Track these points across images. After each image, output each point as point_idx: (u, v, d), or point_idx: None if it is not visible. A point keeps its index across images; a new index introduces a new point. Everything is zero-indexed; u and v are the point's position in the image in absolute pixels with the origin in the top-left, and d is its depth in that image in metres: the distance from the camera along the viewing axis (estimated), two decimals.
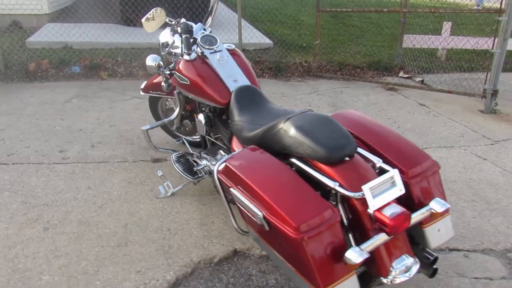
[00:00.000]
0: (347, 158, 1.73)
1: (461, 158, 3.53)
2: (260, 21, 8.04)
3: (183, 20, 2.55)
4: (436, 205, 1.72)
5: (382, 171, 1.76)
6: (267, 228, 1.65)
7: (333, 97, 5.15)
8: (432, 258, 1.79)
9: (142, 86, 3.29)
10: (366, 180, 1.66)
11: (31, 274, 2.06)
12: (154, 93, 3.18)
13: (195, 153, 2.78)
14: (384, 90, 5.53)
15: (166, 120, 2.93)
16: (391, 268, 1.63)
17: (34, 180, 2.91)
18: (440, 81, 5.66)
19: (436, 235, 1.83)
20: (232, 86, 2.36)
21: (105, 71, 5.63)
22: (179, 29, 2.48)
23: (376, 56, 6.80)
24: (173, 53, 2.78)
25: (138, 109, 4.42)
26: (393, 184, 1.64)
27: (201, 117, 2.55)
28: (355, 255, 1.50)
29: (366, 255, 1.50)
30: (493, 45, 4.53)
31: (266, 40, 6.88)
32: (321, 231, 1.52)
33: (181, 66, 2.49)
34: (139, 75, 5.67)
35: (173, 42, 2.63)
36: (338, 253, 1.56)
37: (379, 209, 1.58)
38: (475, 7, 11.95)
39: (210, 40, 2.52)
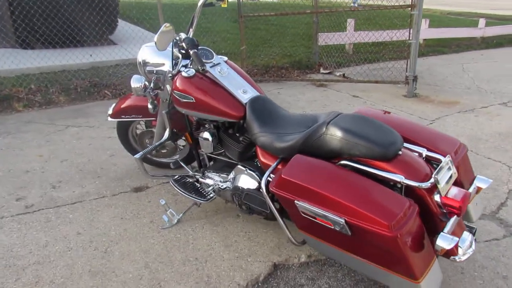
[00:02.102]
0: (400, 152, 1.81)
1: None
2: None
3: (182, 34, 2.38)
4: (481, 182, 1.90)
5: (427, 160, 1.89)
6: (349, 233, 1.65)
7: (274, 99, 5.21)
8: (474, 230, 1.97)
9: (110, 111, 2.97)
10: (422, 169, 1.78)
11: None
12: (127, 118, 2.91)
13: (196, 174, 2.62)
14: (315, 87, 5.84)
15: (157, 143, 2.69)
16: (459, 246, 1.75)
17: (5, 238, 2.45)
18: (356, 73, 6.18)
19: (476, 209, 2.02)
20: (244, 98, 2.29)
21: (19, 102, 4.94)
22: (184, 45, 2.30)
23: (296, 56, 7.13)
24: (154, 71, 2.57)
25: (80, 138, 3.98)
26: (449, 169, 1.77)
27: (207, 135, 2.41)
28: (446, 242, 1.59)
29: (456, 240, 1.59)
30: (409, 36, 5.09)
31: None
32: (409, 225, 1.57)
33: (180, 84, 2.32)
34: (61, 102, 5.11)
35: (177, 58, 2.41)
36: (422, 242, 1.64)
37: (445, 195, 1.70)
38: (352, 4, 13.23)
39: (206, 54, 2.41)
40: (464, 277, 2.13)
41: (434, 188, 1.70)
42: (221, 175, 2.48)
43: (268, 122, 2.20)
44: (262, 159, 2.16)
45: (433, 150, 1.90)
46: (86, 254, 2.31)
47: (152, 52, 2.57)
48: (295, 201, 1.77)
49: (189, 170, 2.69)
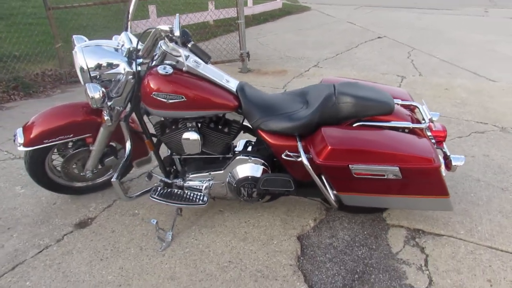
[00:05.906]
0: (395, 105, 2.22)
1: None
2: None
3: (168, 27, 2.00)
4: (435, 116, 2.50)
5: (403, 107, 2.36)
6: (400, 177, 1.97)
7: None
8: None
9: (20, 139, 2.25)
10: (410, 114, 2.25)
11: None
12: (51, 141, 2.27)
13: (175, 180, 2.36)
14: None
15: (122, 161, 2.24)
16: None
17: None
18: None
19: None
20: (232, 87, 2.20)
21: None
22: (179, 40, 1.95)
23: None
24: (98, 76, 2.12)
25: None
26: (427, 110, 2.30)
27: (193, 135, 2.20)
28: (459, 160, 2.11)
29: (464, 157, 2.13)
30: (237, 17, 5.52)
31: None
32: (438, 155, 2.02)
33: (163, 83, 2.02)
34: None
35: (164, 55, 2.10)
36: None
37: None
38: None
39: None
40: None
41: None
42: (212, 172, 2.34)
43: (264, 106, 2.23)
44: (273, 141, 2.19)
45: (403, 99, 2.39)
46: None
47: (95, 53, 2.12)
48: (349, 165, 1.96)
49: (162, 177, 2.39)
